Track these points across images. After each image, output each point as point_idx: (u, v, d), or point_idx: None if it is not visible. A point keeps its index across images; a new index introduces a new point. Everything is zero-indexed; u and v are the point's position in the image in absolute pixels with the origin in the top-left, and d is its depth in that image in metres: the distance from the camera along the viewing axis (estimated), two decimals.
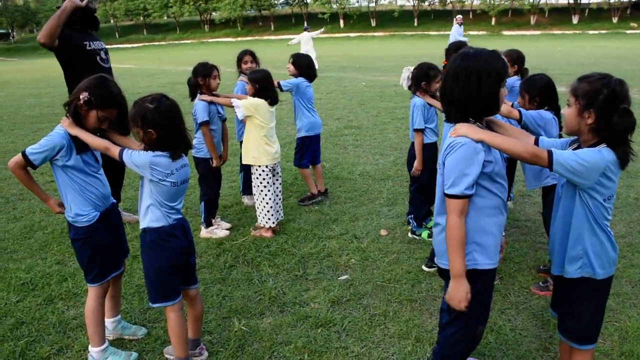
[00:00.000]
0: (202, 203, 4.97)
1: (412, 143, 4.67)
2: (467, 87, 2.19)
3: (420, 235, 4.69)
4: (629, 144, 2.22)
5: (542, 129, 3.63)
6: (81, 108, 2.79)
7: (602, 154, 2.19)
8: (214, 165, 4.84)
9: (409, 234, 4.77)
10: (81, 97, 2.76)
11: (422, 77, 4.42)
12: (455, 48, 4.59)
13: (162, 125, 2.65)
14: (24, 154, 2.78)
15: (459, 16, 17.93)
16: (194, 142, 4.82)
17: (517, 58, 4.87)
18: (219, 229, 4.99)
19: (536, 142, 2.51)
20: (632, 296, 3.68)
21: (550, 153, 2.21)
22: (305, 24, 26.03)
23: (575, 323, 2.48)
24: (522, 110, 3.67)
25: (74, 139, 2.84)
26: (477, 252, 2.30)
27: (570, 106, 2.30)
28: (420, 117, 4.43)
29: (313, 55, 18.79)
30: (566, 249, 2.41)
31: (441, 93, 2.38)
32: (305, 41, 20.78)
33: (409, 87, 4.60)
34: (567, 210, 2.38)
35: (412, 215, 4.74)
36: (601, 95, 2.18)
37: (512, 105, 3.72)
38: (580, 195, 2.30)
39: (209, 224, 4.97)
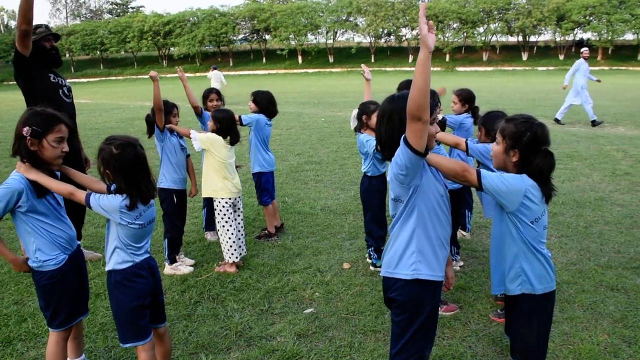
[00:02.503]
0: (166, 240, 4.97)
1: (365, 176, 4.83)
2: (390, 126, 2.43)
3: (380, 266, 4.78)
4: (551, 181, 2.52)
5: (490, 162, 3.83)
6: (33, 144, 2.71)
7: (523, 179, 2.47)
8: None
9: (370, 267, 4.88)
10: (24, 133, 2.69)
11: (363, 111, 4.61)
12: (406, 85, 4.81)
13: (117, 172, 2.66)
14: None
15: (585, 49, 15.17)
16: (160, 174, 4.93)
17: (467, 97, 5.13)
18: (183, 265, 4.98)
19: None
20: (584, 320, 3.86)
21: (478, 172, 2.46)
22: (214, 65, 28.61)
23: (522, 344, 2.66)
24: (469, 142, 3.87)
25: (32, 182, 2.75)
26: (422, 262, 2.45)
27: (498, 144, 2.58)
28: (370, 144, 4.53)
29: (219, 87, 21.57)
30: (503, 268, 2.62)
31: (375, 135, 2.59)
32: (215, 78, 23.85)
33: (355, 128, 4.80)
34: (499, 231, 2.62)
35: (372, 248, 4.86)
36: (524, 137, 2.48)
37: (466, 140, 3.92)
38: (510, 218, 2.53)
39: (172, 261, 4.96)
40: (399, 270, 2.49)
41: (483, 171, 2.46)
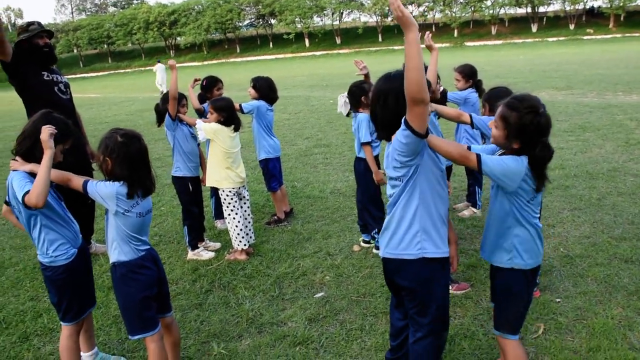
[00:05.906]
0: (185, 227, 5.05)
1: (357, 158, 4.78)
2: (386, 106, 2.39)
3: None
4: (546, 172, 2.43)
5: None
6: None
7: (523, 162, 2.40)
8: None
9: (374, 250, 4.82)
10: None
11: (360, 92, 4.55)
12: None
13: (120, 161, 2.66)
14: (7, 202, 2.86)
15: None
16: (174, 162, 5.03)
17: (469, 72, 5.05)
18: (205, 251, 5.04)
19: (469, 149, 2.67)
20: (598, 294, 3.81)
21: (478, 156, 2.40)
22: (159, 59, 30.35)
23: (510, 315, 2.66)
24: (473, 115, 3.80)
25: (32, 175, 2.73)
26: (426, 240, 2.44)
27: (499, 129, 2.45)
28: (366, 130, 4.53)
29: (164, 85, 23.57)
30: (498, 240, 2.61)
31: (370, 115, 2.53)
32: (160, 70, 25.36)
33: (348, 113, 4.72)
34: (498, 207, 2.58)
35: (375, 230, 4.77)
36: (528, 129, 2.35)
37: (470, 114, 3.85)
38: (507, 197, 2.51)
39: (194, 247, 5.01)
40: (403, 251, 2.47)
41: (483, 156, 2.40)
